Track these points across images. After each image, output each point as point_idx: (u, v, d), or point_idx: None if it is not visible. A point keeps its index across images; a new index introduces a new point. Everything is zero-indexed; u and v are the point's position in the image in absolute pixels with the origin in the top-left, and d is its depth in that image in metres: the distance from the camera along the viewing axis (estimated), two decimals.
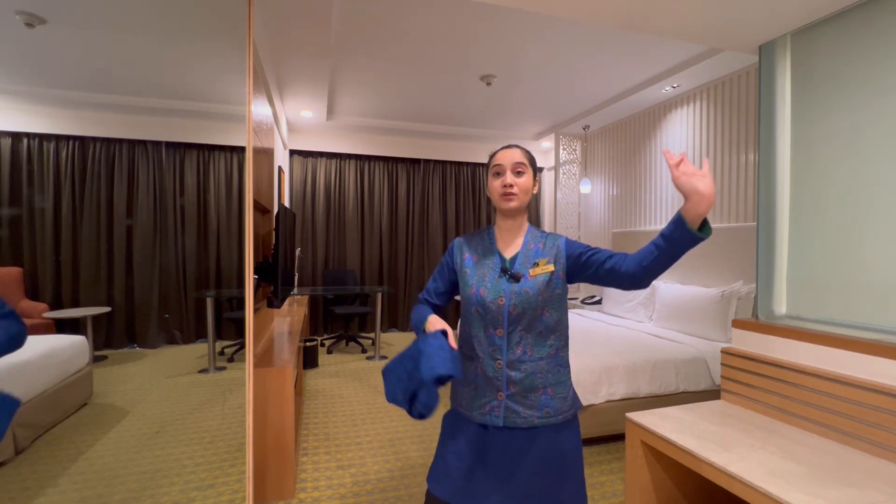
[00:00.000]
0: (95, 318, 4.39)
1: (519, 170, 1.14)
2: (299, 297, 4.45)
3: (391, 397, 1.05)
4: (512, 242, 1.20)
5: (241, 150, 4.95)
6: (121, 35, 2.89)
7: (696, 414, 1.81)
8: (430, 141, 5.69)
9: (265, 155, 2.68)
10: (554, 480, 1.11)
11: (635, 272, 1.03)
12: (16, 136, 4.30)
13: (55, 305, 4.41)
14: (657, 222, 4.14)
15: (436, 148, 5.74)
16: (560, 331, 1.16)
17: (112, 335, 4.61)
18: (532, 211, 6.15)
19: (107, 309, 4.21)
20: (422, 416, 1.00)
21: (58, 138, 4.40)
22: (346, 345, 5.04)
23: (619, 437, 2.62)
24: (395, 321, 5.70)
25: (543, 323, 1.13)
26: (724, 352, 2.01)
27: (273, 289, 2.41)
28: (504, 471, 1.12)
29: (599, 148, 5.04)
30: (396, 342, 5.17)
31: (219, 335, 4.93)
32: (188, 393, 3.38)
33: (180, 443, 2.55)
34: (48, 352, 2.71)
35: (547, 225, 6.10)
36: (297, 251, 4.74)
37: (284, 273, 2.59)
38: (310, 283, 5.36)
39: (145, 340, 4.67)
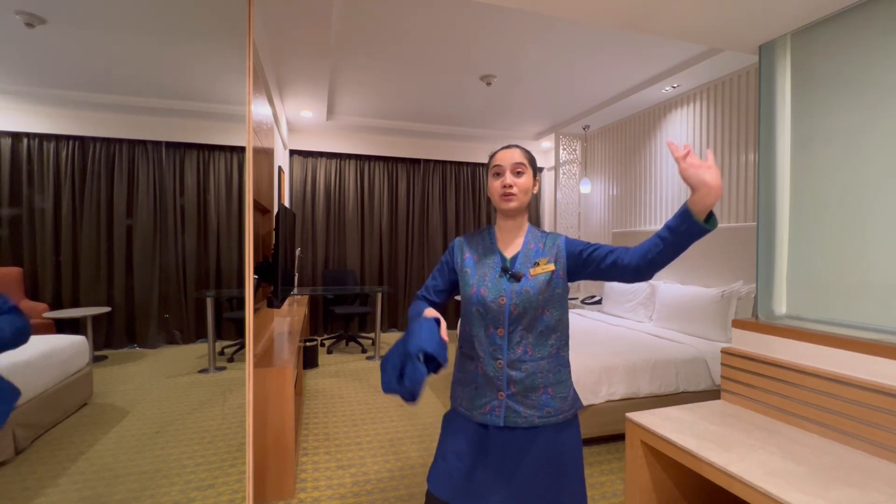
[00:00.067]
0: (95, 318, 4.39)
1: (518, 170, 1.14)
2: (299, 297, 4.45)
3: (386, 386, 1.03)
4: (512, 242, 1.20)
5: (241, 150, 4.95)
6: (121, 35, 2.89)
7: (696, 414, 1.81)
8: (430, 141, 5.69)
9: (265, 155, 2.68)
10: (554, 480, 1.12)
11: (639, 264, 1.03)
12: (16, 136, 4.30)
13: (55, 305, 4.41)
14: (657, 222, 4.14)
15: (436, 148, 5.74)
16: (561, 330, 1.16)
17: (112, 335, 4.61)
18: (532, 211, 6.15)
19: (107, 309, 4.21)
20: (412, 396, 0.99)
21: (58, 138, 4.40)
22: (346, 345, 5.04)
23: (619, 437, 2.62)
24: (395, 321, 5.70)
25: (544, 322, 1.13)
26: (724, 352, 2.01)
27: (273, 289, 2.41)
28: (504, 470, 1.12)
29: (599, 148, 5.04)
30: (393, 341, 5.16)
31: (219, 335, 4.93)
32: (188, 393, 3.38)
33: (180, 443, 2.55)
34: (48, 352, 2.71)
35: (547, 225, 6.10)
36: (297, 251, 4.74)
37: (284, 273, 2.59)
38: (310, 283, 5.36)
39: (145, 340, 4.67)
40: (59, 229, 4.44)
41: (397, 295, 5.67)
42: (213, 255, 4.91)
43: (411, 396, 0.99)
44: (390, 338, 5.37)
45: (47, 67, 3.43)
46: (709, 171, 0.93)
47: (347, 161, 5.51)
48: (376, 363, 4.30)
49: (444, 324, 1.07)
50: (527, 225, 1.22)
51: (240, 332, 4.98)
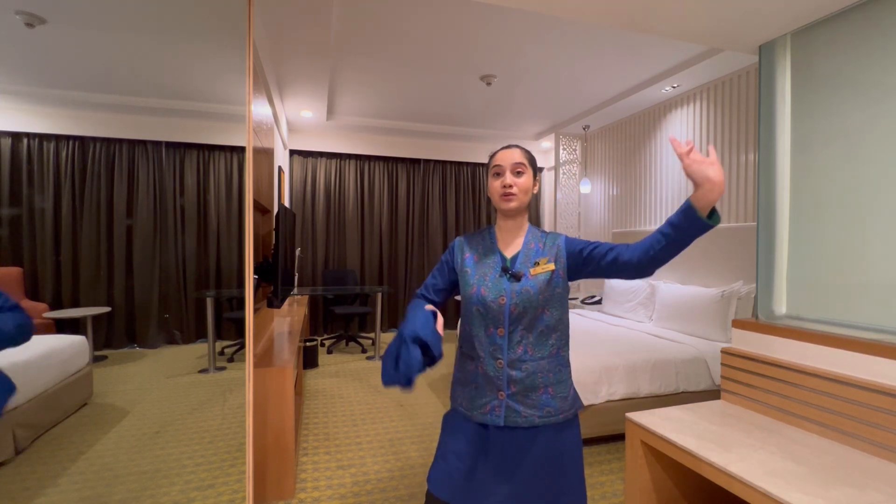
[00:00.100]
0: (95, 318, 4.39)
1: (518, 170, 1.14)
2: (299, 297, 4.45)
3: (385, 378, 1.02)
4: (512, 242, 1.20)
5: (241, 150, 4.95)
6: (121, 35, 2.89)
7: (696, 414, 1.81)
8: (430, 141, 5.69)
9: (265, 155, 2.68)
10: (554, 480, 1.12)
11: (641, 260, 1.03)
12: (16, 136, 4.30)
13: (55, 305, 4.41)
14: (657, 222, 4.14)
15: (436, 148, 5.74)
16: (561, 330, 1.16)
17: (112, 335, 4.61)
18: (532, 211, 6.15)
19: (107, 309, 4.21)
20: (407, 380, 0.98)
21: (58, 138, 4.40)
22: (346, 345, 5.04)
23: (619, 437, 2.62)
24: (395, 321, 5.70)
25: (544, 322, 1.13)
26: (724, 352, 2.01)
27: (273, 289, 2.41)
28: (504, 470, 1.12)
29: (599, 148, 5.04)
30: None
31: (219, 335, 4.93)
32: (188, 393, 3.38)
33: (180, 443, 2.55)
34: (48, 352, 2.71)
35: (547, 225, 6.10)
36: (297, 251, 4.74)
37: (284, 273, 2.59)
38: (310, 283, 5.36)
39: (145, 340, 4.67)
40: (59, 229, 4.44)
41: (397, 295, 5.67)
42: (213, 255, 4.91)
43: (406, 381, 0.98)
44: (390, 338, 5.36)
45: (47, 67, 3.43)
46: (712, 168, 0.93)
47: (347, 161, 5.51)
48: (376, 363, 4.30)
49: (441, 319, 1.08)
50: (527, 225, 1.22)
51: (240, 332, 4.98)
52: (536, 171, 1.19)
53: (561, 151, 5.14)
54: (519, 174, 1.14)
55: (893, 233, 1.54)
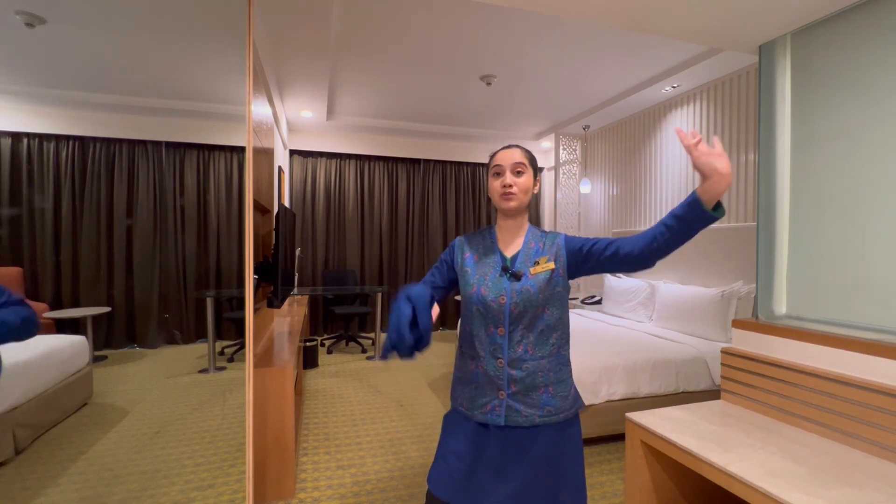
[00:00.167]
0: (95, 318, 4.39)
1: (519, 170, 1.14)
2: (299, 297, 4.45)
3: (385, 349, 1.08)
4: (513, 242, 1.20)
5: (241, 150, 4.95)
6: (121, 35, 2.89)
7: (696, 414, 1.81)
8: (430, 141, 5.69)
9: (265, 155, 2.68)
10: (555, 479, 1.12)
11: (643, 251, 1.03)
12: (16, 136, 4.30)
13: (55, 305, 4.41)
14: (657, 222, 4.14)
15: (436, 148, 5.74)
16: (561, 329, 1.16)
17: (112, 335, 4.61)
18: (532, 211, 6.15)
19: (107, 309, 4.21)
20: (398, 335, 1.02)
21: (58, 138, 4.40)
22: (346, 345, 5.04)
23: (619, 437, 2.62)
24: None
25: (545, 321, 1.13)
26: (724, 352, 2.01)
27: (273, 289, 2.41)
28: (505, 470, 1.12)
29: (599, 148, 5.04)
30: None
31: (219, 335, 4.93)
32: (188, 393, 3.38)
33: (180, 443, 2.55)
34: (48, 352, 2.71)
35: (547, 225, 6.10)
36: (297, 251, 4.74)
37: (284, 273, 2.59)
38: (310, 283, 5.36)
39: (145, 340, 4.67)
40: (59, 229, 4.44)
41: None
42: (213, 255, 4.91)
43: (397, 336, 1.02)
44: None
45: (47, 67, 3.43)
46: (719, 159, 0.92)
47: (347, 161, 5.51)
48: (376, 363, 4.30)
49: (437, 309, 1.11)
50: (527, 225, 1.22)
51: (240, 332, 4.98)
52: (537, 171, 1.20)
53: (561, 151, 5.14)
54: (519, 174, 1.14)
55: (893, 233, 1.54)
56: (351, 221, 5.49)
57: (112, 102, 4.13)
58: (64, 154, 4.43)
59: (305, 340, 4.03)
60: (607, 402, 2.47)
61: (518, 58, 3.27)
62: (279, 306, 2.48)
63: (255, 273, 1.90)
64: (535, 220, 6.20)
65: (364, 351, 4.75)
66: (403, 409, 3.11)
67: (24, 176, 4.32)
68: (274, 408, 2.00)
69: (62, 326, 4.31)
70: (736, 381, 1.95)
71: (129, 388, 3.49)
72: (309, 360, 4.11)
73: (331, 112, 4.65)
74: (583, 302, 4.61)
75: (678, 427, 1.68)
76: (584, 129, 5.01)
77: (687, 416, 1.79)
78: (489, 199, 1.25)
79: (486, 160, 5.80)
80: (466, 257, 1.22)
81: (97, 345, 4.49)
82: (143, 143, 4.63)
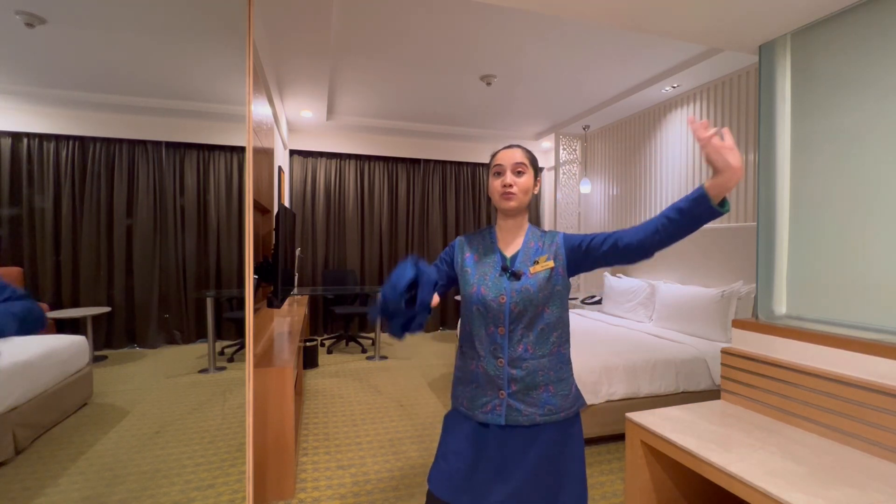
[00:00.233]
0: (95, 318, 4.39)
1: (519, 170, 1.14)
2: (299, 297, 4.45)
3: (375, 307, 1.07)
4: (512, 242, 1.20)
5: (241, 150, 4.95)
6: (121, 35, 2.89)
7: (696, 414, 1.81)
8: (430, 141, 5.69)
9: (265, 155, 2.68)
10: (555, 478, 1.12)
11: (643, 242, 1.03)
12: (16, 136, 4.30)
13: (55, 305, 4.41)
14: None
15: (436, 148, 5.74)
16: (561, 328, 1.16)
17: (112, 335, 4.61)
18: (532, 211, 6.15)
19: (107, 309, 4.21)
20: (393, 290, 1.01)
21: (58, 138, 4.40)
22: (346, 345, 5.04)
23: (619, 437, 2.62)
24: None
25: (545, 320, 1.13)
26: (724, 352, 2.01)
27: (273, 289, 2.41)
28: (505, 469, 1.12)
29: (599, 148, 5.04)
30: (396, 342, 5.17)
31: (219, 335, 4.93)
32: (188, 393, 3.38)
33: (180, 443, 2.55)
34: (48, 352, 2.71)
35: (547, 225, 6.10)
36: (297, 251, 4.74)
37: (284, 273, 2.59)
38: (310, 283, 5.36)
39: (145, 340, 4.67)
40: (59, 229, 4.44)
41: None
42: (213, 255, 4.91)
43: (391, 290, 1.01)
44: (390, 338, 5.37)
45: (47, 67, 3.43)
46: (732, 153, 0.90)
47: (347, 161, 5.51)
48: (376, 363, 4.30)
49: (437, 298, 1.11)
50: (527, 224, 1.22)
51: (240, 332, 4.98)
52: (538, 171, 1.20)
53: (561, 151, 5.14)
54: (520, 174, 1.14)
55: (893, 233, 1.54)
56: (351, 221, 5.49)
57: (112, 102, 4.13)
58: (64, 154, 4.42)
59: (305, 340, 4.03)
60: (607, 401, 2.47)
61: (518, 58, 3.27)
62: (279, 306, 2.48)
63: (255, 273, 1.90)
64: (535, 220, 6.20)
65: (364, 351, 4.75)
66: (403, 409, 3.11)
67: (24, 176, 4.32)
68: (274, 408, 2.00)
69: (62, 326, 4.31)
70: (736, 381, 1.95)
71: (129, 388, 3.49)
72: (309, 360, 4.11)
73: (331, 112, 4.65)
74: (583, 302, 4.61)
75: (678, 427, 1.68)
76: (584, 129, 5.01)
77: (687, 416, 1.79)
78: (489, 199, 1.25)
79: (486, 160, 5.80)
80: (466, 257, 1.22)
81: (97, 345, 4.49)
82: (143, 143, 4.63)
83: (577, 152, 5.23)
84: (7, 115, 4.24)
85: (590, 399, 2.42)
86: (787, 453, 1.48)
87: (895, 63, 1.54)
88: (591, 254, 1.11)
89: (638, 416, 1.78)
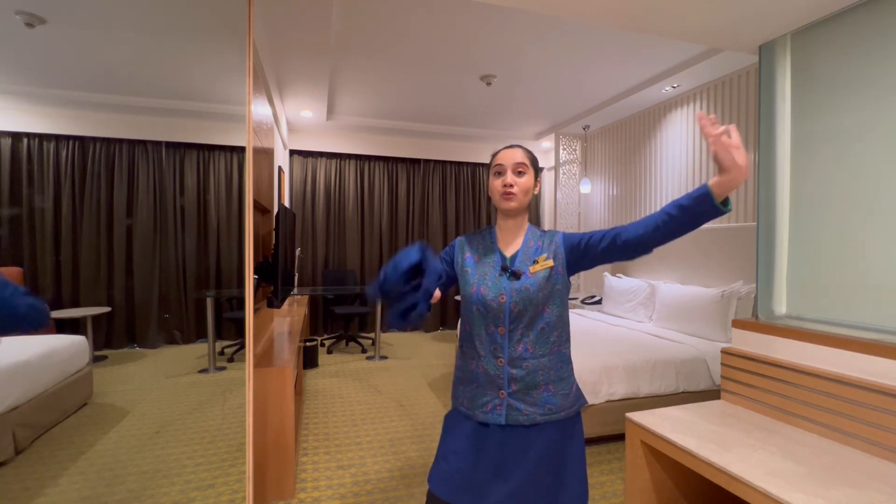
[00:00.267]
0: (95, 318, 4.39)
1: (520, 170, 1.14)
2: (299, 297, 4.45)
3: (374, 284, 1.05)
4: (512, 242, 1.20)
5: (241, 150, 4.95)
6: (121, 35, 2.89)
7: (696, 414, 1.81)
8: (430, 141, 5.69)
9: (265, 155, 2.68)
10: (556, 478, 1.12)
11: (642, 238, 1.02)
12: (16, 136, 4.30)
13: (55, 305, 4.40)
14: None
15: (436, 148, 5.74)
16: (561, 327, 1.16)
17: (112, 335, 4.61)
18: (532, 211, 6.15)
19: (107, 309, 4.21)
20: (393, 273, 1.00)
21: (58, 138, 4.40)
22: (346, 345, 5.04)
23: (619, 437, 2.62)
24: None
25: (545, 319, 1.13)
26: (724, 352, 2.01)
27: (273, 289, 2.41)
28: (506, 469, 1.12)
29: (599, 148, 5.05)
30: (396, 342, 5.17)
31: (219, 335, 4.93)
32: (188, 393, 3.38)
33: (180, 443, 2.55)
34: (48, 352, 2.71)
35: (547, 225, 6.10)
36: (297, 251, 4.74)
37: (284, 273, 2.59)
38: (310, 283, 5.36)
39: (145, 340, 4.67)
40: (59, 229, 4.44)
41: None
42: (213, 255, 4.91)
43: (392, 269, 1.00)
44: (390, 338, 5.37)
45: (47, 67, 3.43)
46: (738, 152, 0.89)
47: (347, 161, 5.51)
48: (376, 363, 4.30)
49: (438, 293, 1.10)
50: (527, 224, 1.22)
51: (240, 332, 4.98)
52: (538, 171, 1.20)
53: (561, 151, 5.14)
54: (520, 174, 1.14)
55: (893, 233, 1.54)
56: (351, 221, 5.49)
57: (112, 102, 4.13)
58: (64, 154, 4.42)
59: (305, 340, 4.03)
60: (607, 401, 2.47)
61: (518, 58, 3.27)
62: (279, 306, 2.48)
63: (255, 273, 1.90)
64: (535, 221, 6.20)
65: (364, 351, 4.75)
66: (403, 409, 3.11)
67: (24, 176, 4.32)
68: (274, 408, 2.00)
69: (62, 326, 4.31)
70: (736, 381, 1.95)
71: (129, 388, 3.49)
72: (309, 360, 4.11)
73: (331, 112, 4.65)
74: (583, 302, 4.61)
75: (678, 427, 1.68)
76: (584, 129, 5.01)
77: (687, 416, 1.79)
78: (489, 199, 1.25)
79: (486, 160, 5.80)
80: (466, 257, 1.22)
81: (97, 345, 4.49)
82: (143, 143, 4.63)
83: (577, 152, 5.23)
84: (7, 115, 4.24)
85: (590, 399, 2.42)
86: (787, 453, 1.48)
87: (895, 63, 1.54)
88: (590, 251, 1.11)
89: (638, 416, 1.78)
